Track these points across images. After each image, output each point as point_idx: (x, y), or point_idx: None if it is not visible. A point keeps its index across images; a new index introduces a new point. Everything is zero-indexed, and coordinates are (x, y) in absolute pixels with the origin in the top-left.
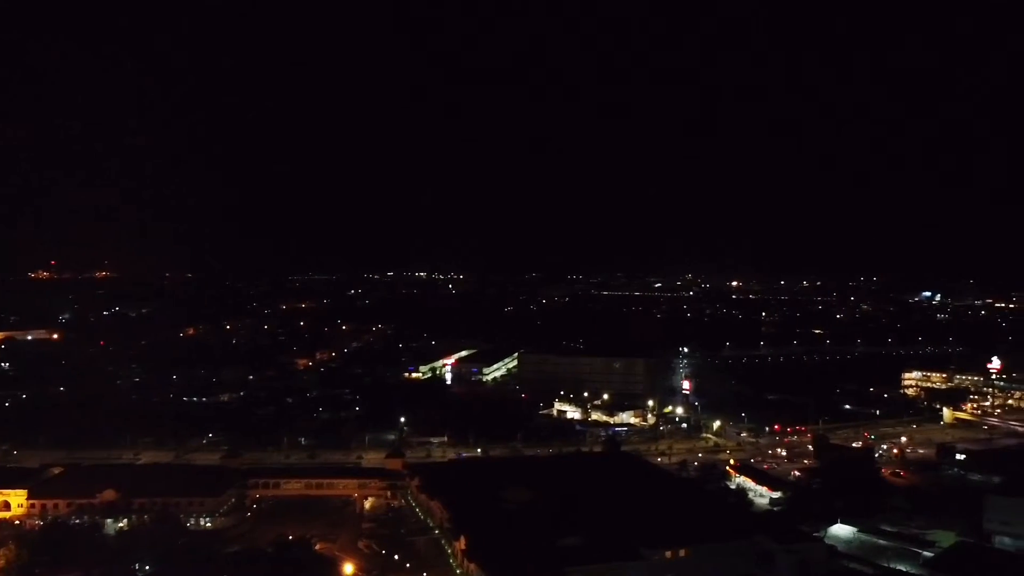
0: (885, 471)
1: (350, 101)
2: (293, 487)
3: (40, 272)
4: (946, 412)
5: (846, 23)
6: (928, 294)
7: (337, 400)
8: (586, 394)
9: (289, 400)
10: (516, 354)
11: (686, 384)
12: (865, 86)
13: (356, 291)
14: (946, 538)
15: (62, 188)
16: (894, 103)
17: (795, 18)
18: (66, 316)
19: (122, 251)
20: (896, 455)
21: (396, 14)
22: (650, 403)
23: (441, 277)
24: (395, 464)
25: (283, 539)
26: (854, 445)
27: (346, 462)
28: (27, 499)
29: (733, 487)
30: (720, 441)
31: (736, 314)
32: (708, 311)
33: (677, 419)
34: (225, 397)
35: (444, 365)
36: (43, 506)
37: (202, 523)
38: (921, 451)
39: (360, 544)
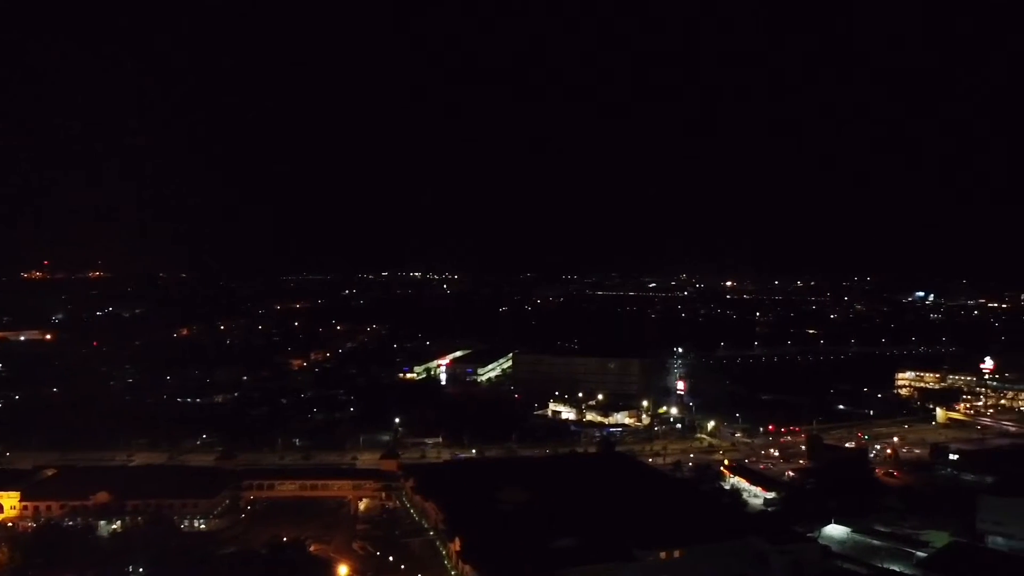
0: (879, 471)
1: (345, 101)
2: (287, 488)
3: (33, 272)
4: (939, 412)
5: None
6: (921, 294)
7: (332, 401)
8: (581, 395)
9: (283, 401)
10: (511, 354)
11: (680, 384)
12: (860, 86)
13: (351, 291)
14: (939, 538)
15: (55, 188)
16: (889, 104)
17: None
18: (59, 316)
19: (115, 251)
20: (890, 455)
21: (392, 14)
22: (645, 403)
23: (436, 277)
24: (390, 465)
25: (277, 541)
26: (848, 445)
27: (341, 463)
28: (20, 501)
29: (727, 487)
30: (714, 441)
31: (730, 314)
32: (702, 311)
33: (672, 419)
34: (219, 398)
35: (439, 365)
36: (36, 508)
37: (196, 525)
38: (915, 451)
39: (355, 546)
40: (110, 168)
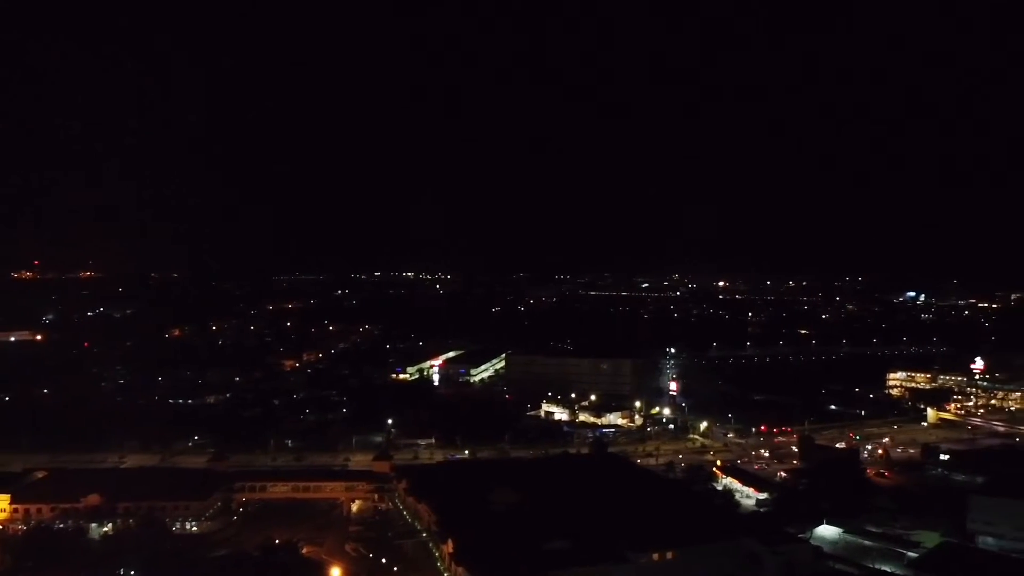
0: (870, 472)
1: (338, 101)
2: (280, 490)
3: (23, 272)
4: (930, 412)
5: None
6: (912, 294)
7: (324, 402)
8: (574, 395)
9: (276, 402)
10: (504, 355)
11: (673, 385)
12: (851, 86)
13: (343, 291)
14: (930, 538)
15: (46, 187)
16: (881, 104)
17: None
18: (50, 317)
19: (107, 251)
20: (881, 455)
21: (384, 12)
22: (637, 404)
23: (428, 277)
24: (382, 466)
25: (270, 543)
26: (839, 446)
27: (333, 464)
28: (10, 504)
29: (720, 488)
30: (707, 442)
31: (723, 314)
32: (695, 311)
33: (664, 420)
34: (211, 399)
35: (432, 366)
36: (26, 511)
37: (188, 527)
38: (908, 451)
39: (347, 547)
40: (101, 168)
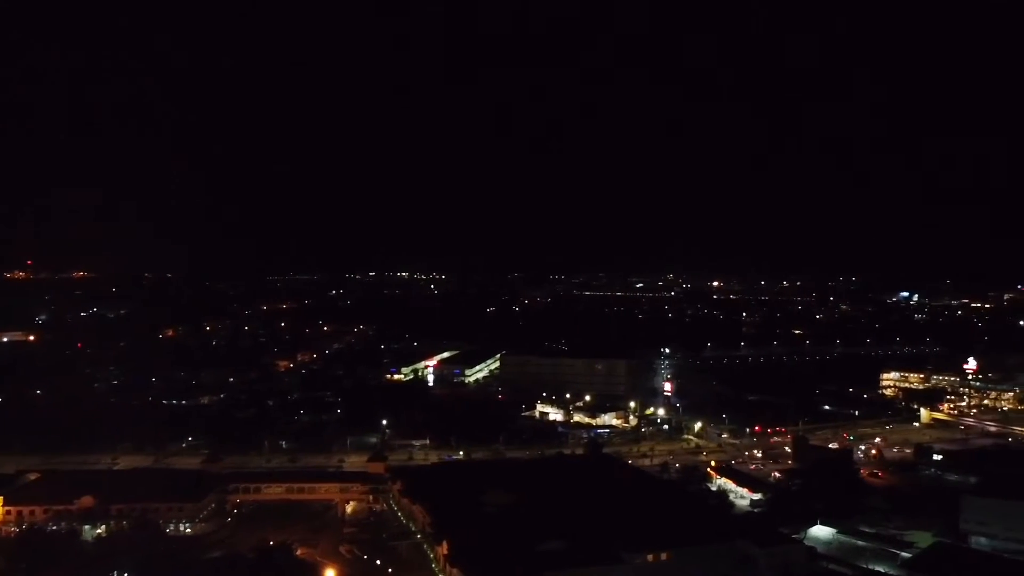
0: (864, 472)
1: (332, 101)
2: (274, 491)
3: (16, 272)
4: (923, 412)
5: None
6: (906, 294)
7: (318, 402)
8: (568, 396)
9: (270, 403)
10: (498, 355)
11: (667, 385)
12: (844, 87)
13: (338, 291)
14: (923, 539)
15: (39, 187)
16: (875, 105)
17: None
18: (43, 317)
19: (100, 251)
20: (874, 456)
21: (377, 11)
22: (632, 405)
23: (423, 277)
24: (377, 468)
25: (264, 544)
26: (833, 446)
27: (327, 466)
28: (3, 506)
29: (714, 489)
30: (701, 442)
31: (717, 315)
32: (689, 311)
33: (659, 420)
34: (205, 400)
35: (426, 367)
36: (19, 513)
37: (182, 529)
38: (901, 451)
39: (342, 549)
40: (95, 167)
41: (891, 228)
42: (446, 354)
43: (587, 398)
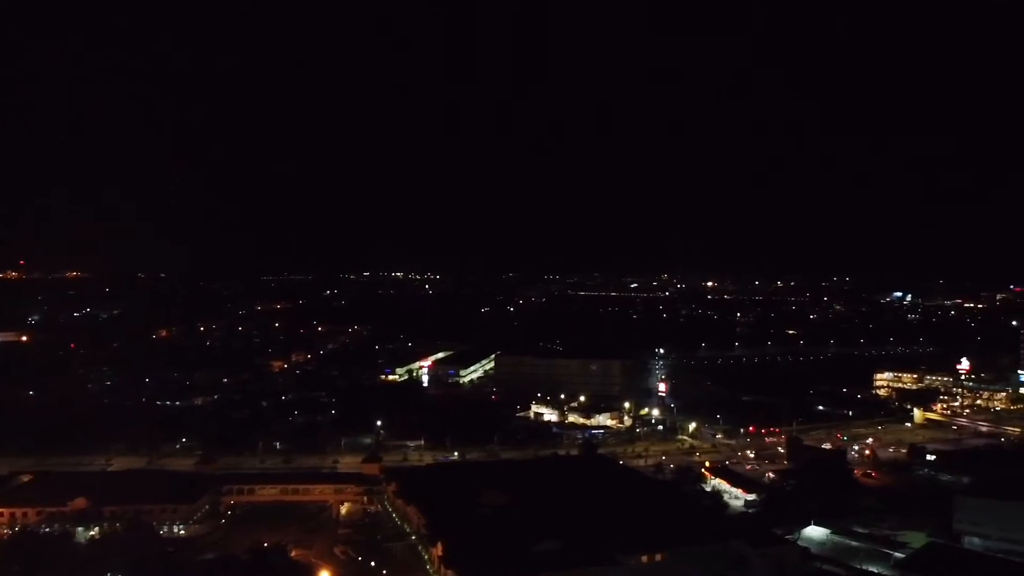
0: (857, 472)
1: (327, 101)
2: (268, 493)
3: (8, 272)
4: (917, 413)
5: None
6: (899, 294)
7: (313, 403)
8: (563, 396)
9: (264, 403)
10: (493, 356)
11: (662, 386)
12: (839, 89)
13: (332, 291)
14: (917, 539)
15: (32, 187)
16: (870, 106)
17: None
18: (35, 317)
19: (93, 251)
20: (868, 456)
21: (375, 12)
22: (627, 405)
23: (417, 277)
24: (371, 468)
25: (258, 546)
26: (826, 446)
27: (322, 467)
28: None
29: (708, 489)
30: (696, 443)
31: (711, 315)
32: (684, 312)
33: (653, 421)
34: (199, 400)
35: (420, 367)
36: (12, 514)
37: (176, 531)
38: (895, 451)
39: (336, 550)
40: (87, 167)
41: (885, 228)
42: (441, 354)
43: (582, 399)
